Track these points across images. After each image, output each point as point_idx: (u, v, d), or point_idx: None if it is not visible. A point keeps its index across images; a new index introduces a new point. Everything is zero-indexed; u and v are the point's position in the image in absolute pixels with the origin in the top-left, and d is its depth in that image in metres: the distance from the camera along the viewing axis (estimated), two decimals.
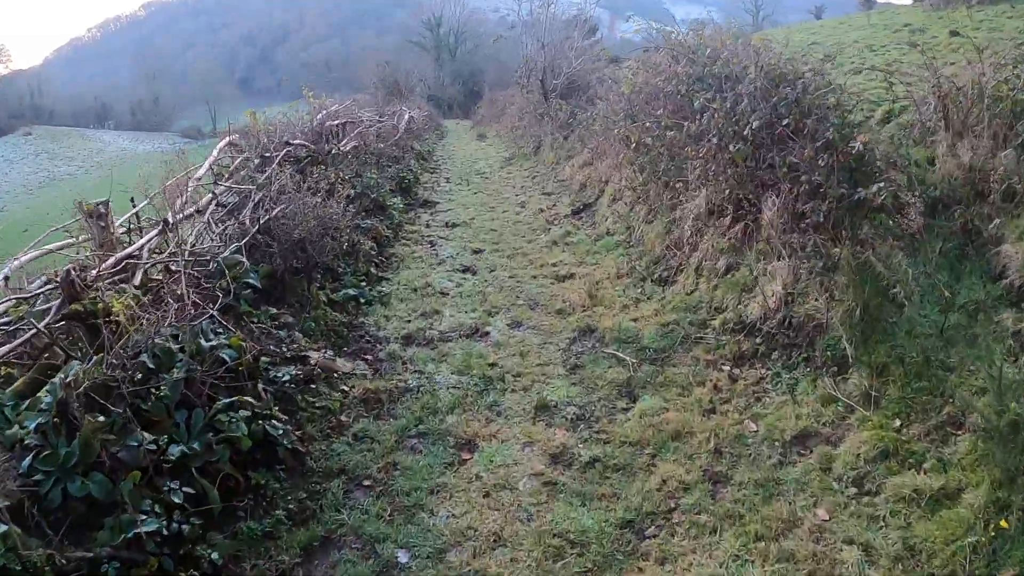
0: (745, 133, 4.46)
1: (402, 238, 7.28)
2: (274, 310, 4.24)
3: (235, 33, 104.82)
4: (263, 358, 3.63)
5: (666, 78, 6.02)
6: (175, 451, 2.87)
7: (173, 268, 4.12)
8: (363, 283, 5.30)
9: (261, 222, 4.74)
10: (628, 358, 4.12)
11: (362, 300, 4.98)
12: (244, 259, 4.23)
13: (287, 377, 3.60)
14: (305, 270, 4.64)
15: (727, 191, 4.71)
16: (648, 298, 5.03)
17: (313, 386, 3.72)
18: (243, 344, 3.40)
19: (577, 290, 5.30)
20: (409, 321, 4.85)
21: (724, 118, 4.70)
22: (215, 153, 5.81)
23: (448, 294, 5.41)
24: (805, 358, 3.87)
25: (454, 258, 6.50)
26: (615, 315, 4.78)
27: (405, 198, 9.32)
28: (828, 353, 3.76)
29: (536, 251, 6.64)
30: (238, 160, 6.11)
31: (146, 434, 2.79)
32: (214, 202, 5.20)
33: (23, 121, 50.90)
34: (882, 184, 3.84)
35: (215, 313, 3.72)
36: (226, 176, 5.86)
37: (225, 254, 4.18)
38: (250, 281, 4.17)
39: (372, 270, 5.70)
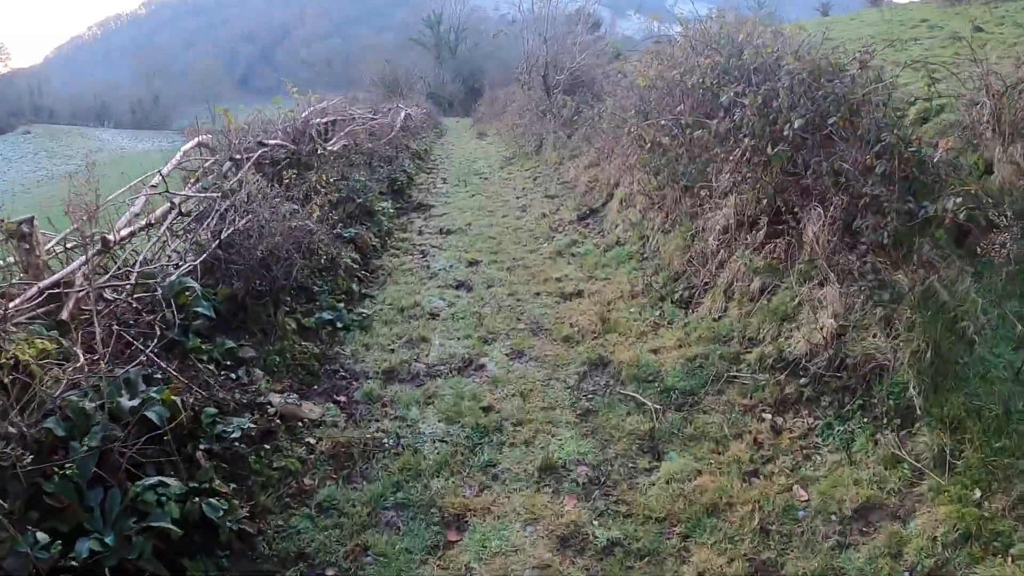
0: (785, 133, 3.80)
1: (391, 247, 6.63)
2: (231, 343, 3.60)
3: (235, 31, 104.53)
4: (208, 409, 2.99)
5: (684, 71, 5.36)
6: (83, 549, 2.23)
7: (109, 297, 3.48)
8: (342, 303, 4.65)
9: (222, 236, 4.10)
10: (649, 402, 3.47)
11: (339, 325, 4.33)
12: (195, 283, 3.59)
13: (238, 433, 2.95)
14: (271, 293, 3.99)
15: (762, 200, 4.05)
16: (669, 323, 4.37)
17: (268, 445, 3.07)
18: (178, 399, 2.75)
19: (586, 312, 4.64)
20: (392, 351, 4.19)
21: (757, 115, 4.04)
22: (178, 156, 5.17)
23: (439, 316, 4.76)
24: (861, 406, 3.22)
25: (447, 271, 5.84)
26: (631, 344, 4.12)
27: (397, 201, 8.68)
28: (890, 401, 3.11)
29: (539, 263, 5.98)
30: (208, 163, 5.47)
31: (40, 534, 2.16)
32: (174, 212, 4.56)
33: (22, 120, 50.66)
34: (959, 198, 3.18)
35: (151, 355, 3.08)
36: (192, 181, 5.23)
37: (172, 277, 3.54)
38: (201, 310, 3.52)
39: (354, 287, 5.05)
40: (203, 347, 3.44)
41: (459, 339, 4.33)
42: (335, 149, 8.21)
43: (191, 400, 3.01)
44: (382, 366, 3.95)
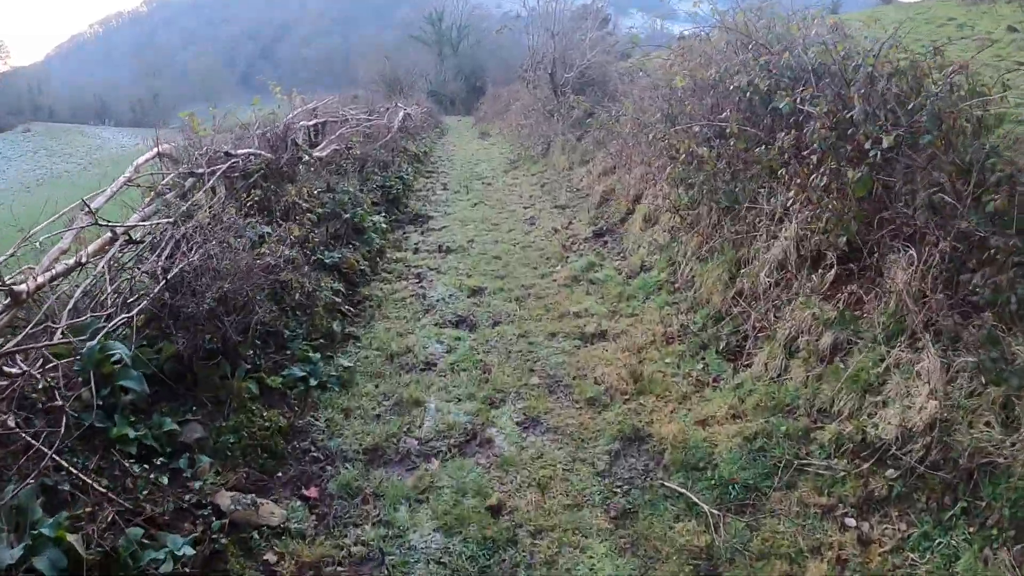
0: (871, 153, 3.01)
1: (382, 271, 5.85)
2: (171, 422, 2.83)
3: (236, 30, 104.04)
4: (132, 531, 2.23)
5: (723, 70, 4.58)
6: None
7: (16, 369, 2.72)
8: (319, 351, 3.87)
9: (169, 276, 3.33)
10: (704, 504, 2.69)
11: (312, 383, 3.55)
12: (121, 347, 2.82)
13: (170, 565, 2.19)
14: (224, 351, 3.23)
15: (839, 236, 3.25)
16: (715, 381, 3.59)
17: (213, 572, 2.31)
18: (79, 537, 1.99)
19: (613, 362, 3.87)
20: (377, 417, 3.42)
21: (830, 128, 3.25)
22: (129, 172, 4.38)
23: (435, 366, 3.98)
24: (964, 510, 2.49)
25: (446, 302, 5.07)
26: (672, 411, 3.35)
27: (391, 212, 7.91)
28: (1004, 510, 2.37)
29: (552, 292, 5.21)
30: (167, 178, 4.70)
31: None
32: (117, 244, 3.80)
33: (22, 118, 50.35)
34: None
35: (59, 457, 2.32)
36: (147, 200, 4.46)
37: (92, 342, 2.77)
38: (129, 384, 2.76)
39: (335, 327, 4.26)
40: (132, 434, 2.67)
41: (460, 400, 3.55)
42: (323, 155, 7.44)
43: (108, 520, 2.26)
44: (364, 442, 3.17)
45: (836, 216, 3.16)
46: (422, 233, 7.42)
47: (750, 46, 4.44)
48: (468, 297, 5.15)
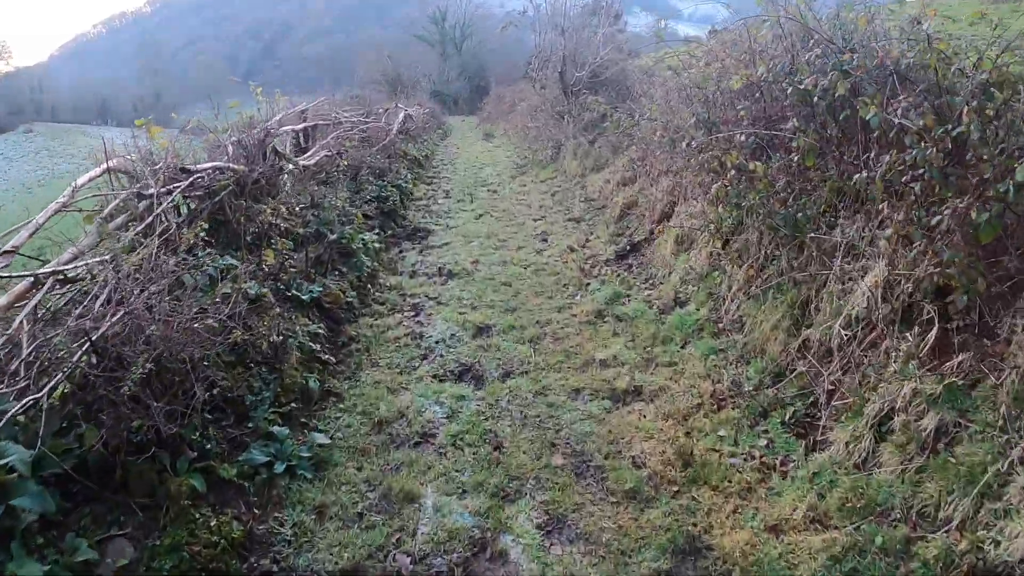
0: (1001, 188, 2.27)
1: (373, 300, 5.12)
2: (88, 548, 2.12)
3: (238, 28, 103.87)
4: None
5: (776, 70, 3.84)
6: None
7: None
8: (289, 420, 3.16)
9: (94, 339, 2.62)
10: None
11: (278, 469, 2.83)
12: (16, 452, 2.11)
13: None
14: (160, 440, 2.51)
15: (958, 293, 2.50)
16: (783, 465, 2.85)
17: None
18: None
19: (654, 433, 3.14)
20: (360, 515, 2.69)
21: (941, 150, 2.50)
22: (66, 195, 3.66)
23: (433, 438, 3.25)
24: None
25: (447, 345, 4.34)
26: (735, 512, 2.61)
27: (387, 227, 7.17)
28: None
29: (572, 330, 4.46)
30: (115, 202, 3.99)
31: None
32: (43, 291, 3.09)
33: (24, 118, 50.16)
34: None
35: None
36: (88, 231, 3.75)
37: None
38: (25, 504, 2.05)
39: (311, 383, 3.52)
40: (34, 572, 1.96)
41: (464, 492, 2.82)
42: (311, 164, 6.72)
43: None
44: (342, 559, 2.45)
45: (962, 271, 2.40)
46: (421, 251, 6.69)
47: (810, 42, 3.69)
48: (473, 338, 4.41)
